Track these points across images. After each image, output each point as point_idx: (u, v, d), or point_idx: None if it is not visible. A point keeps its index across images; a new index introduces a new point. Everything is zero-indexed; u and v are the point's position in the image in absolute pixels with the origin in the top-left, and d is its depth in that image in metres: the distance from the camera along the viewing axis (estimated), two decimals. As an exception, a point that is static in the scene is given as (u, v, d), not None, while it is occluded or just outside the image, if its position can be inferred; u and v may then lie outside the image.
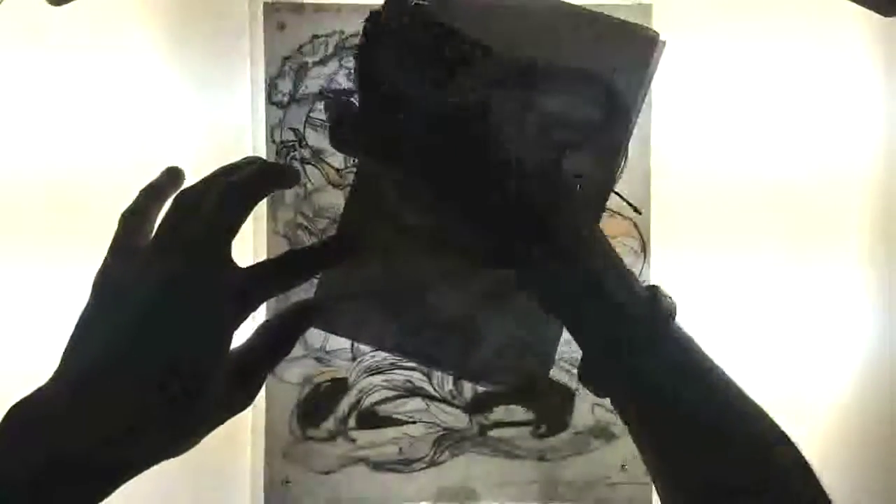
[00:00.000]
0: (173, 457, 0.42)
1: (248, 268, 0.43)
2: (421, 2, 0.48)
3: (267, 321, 0.46)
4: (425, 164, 0.47)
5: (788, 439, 0.43)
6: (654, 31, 0.50)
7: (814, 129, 0.70)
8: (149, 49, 0.69)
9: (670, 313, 0.46)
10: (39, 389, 0.40)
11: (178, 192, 0.44)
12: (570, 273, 0.46)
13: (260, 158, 0.48)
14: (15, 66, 0.68)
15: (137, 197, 0.46)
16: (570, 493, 0.68)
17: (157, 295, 0.41)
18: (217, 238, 0.42)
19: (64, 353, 0.42)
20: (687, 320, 0.46)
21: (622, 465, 0.67)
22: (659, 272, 0.68)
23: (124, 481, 0.40)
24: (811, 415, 0.70)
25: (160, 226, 0.43)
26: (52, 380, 0.41)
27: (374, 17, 0.48)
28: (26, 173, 0.68)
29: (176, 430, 0.41)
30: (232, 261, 0.42)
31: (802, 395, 0.70)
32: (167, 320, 0.41)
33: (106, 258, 0.44)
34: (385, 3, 0.48)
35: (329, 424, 0.68)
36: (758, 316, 0.70)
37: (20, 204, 0.68)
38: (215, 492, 0.69)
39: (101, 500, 0.40)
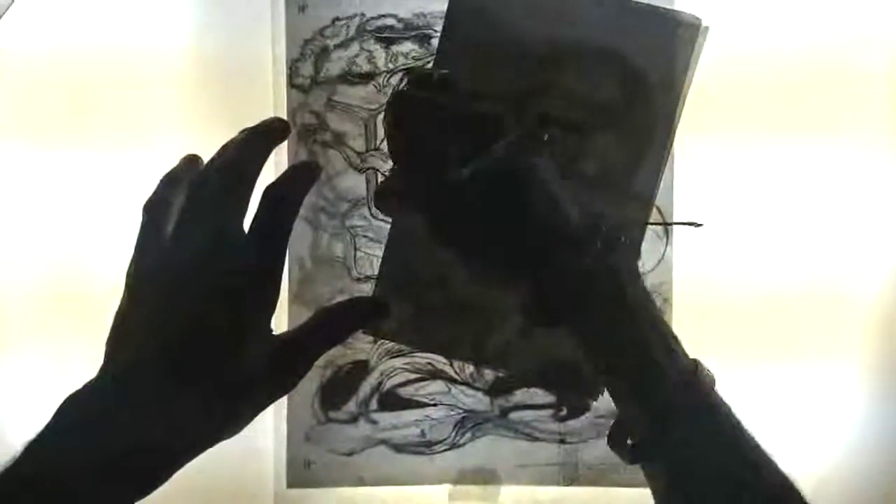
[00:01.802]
0: (220, 442, 0.42)
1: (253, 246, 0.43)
2: (443, 71, 0.48)
3: (323, 308, 0.46)
4: (460, 227, 0.48)
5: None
6: (697, 18, 0.50)
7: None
8: (169, 33, 0.69)
9: (711, 384, 0.46)
10: (88, 383, 0.41)
11: (189, 178, 0.45)
12: (614, 341, 0.47)
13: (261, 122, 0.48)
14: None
15: (157, 187, 0.46)
16: (590, 475, 0.68)
17: (186, 285, 0.41)
18: (227, 220, 0.42)
19: (106, 347, 0.42)
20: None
21: (643, 449, 0.67)
22: (681, 262, 0.67)
23: (175, 469, 0.41)
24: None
25: (178, 216, 0.43)
26: (98, 375, 0.41)
27: (397, 95, 0.49)
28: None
29: (221, 416, 0.42)
30: (245, 237, 0.43)
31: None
32: (199, 310, 0.41)
33: (134, 251, 0.44)
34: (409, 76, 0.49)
35: (351, 407, 0.69)
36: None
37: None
38: (238, 474, 0.69)
39: (153, 489, 0.40)
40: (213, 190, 0.43)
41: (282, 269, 0.43)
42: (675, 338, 0.47)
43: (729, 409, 0.46)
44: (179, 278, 0.42)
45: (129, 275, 0.44)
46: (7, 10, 0.68)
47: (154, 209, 0.45)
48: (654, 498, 0.47)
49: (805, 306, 0.68)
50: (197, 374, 0.40)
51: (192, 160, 0.47)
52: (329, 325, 0.45)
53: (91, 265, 0.68)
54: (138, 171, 0.66)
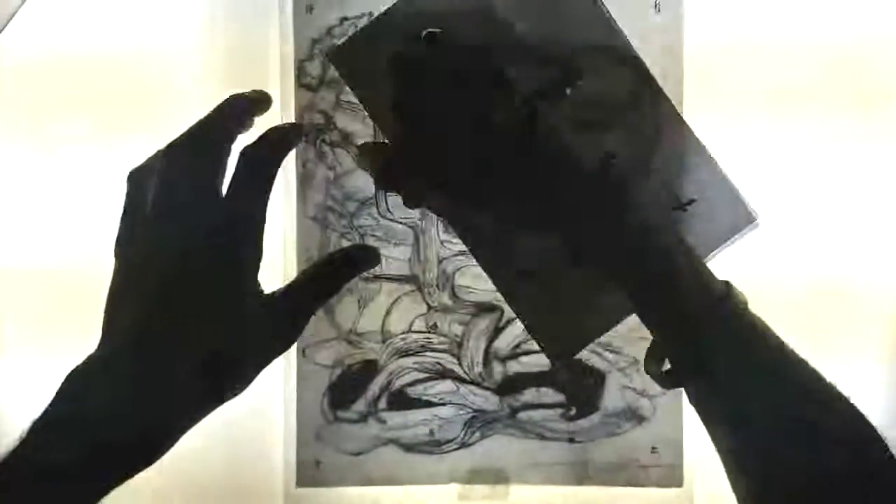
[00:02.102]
0: (225, 402, 0.42)
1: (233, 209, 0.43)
2: (434, 31, 0.48)
3: (314, 263, 0.46)
4: (475, 190, 0.47)
5: (878, 434, 0.43)
6: None
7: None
8: (178, 33, 0.69)
9: (743, 303, 0.46)
10: (89, 357, 0.41)
11: (167, 144, 0.44)
12: (641, 268, 0.46)
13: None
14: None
15: (147, 159, 0.46)
16: (600, 475, 0.68)
17: (167, 250, 0.42)
18: (202, 182, 0.43)
19: (103, 320, 0.43)
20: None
21: (652, 448, 0.67)
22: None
23: (181, 434, 0.41)
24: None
25: (156, 181, 0.43)
26: (97, 348, 0.42)
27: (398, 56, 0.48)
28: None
29: (222, 377, 0.42)
30: (221, 199, 0.43)
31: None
32: (182, 274, 0.41)
33: (119, 224, 0.44)
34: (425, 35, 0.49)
35: (360, 406, 0.69)
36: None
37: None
38: (248, 473, 0.69)
39: (160, 454, 0.41)
40: (187, 152, 0.43)
41: (262, 228, 0.43)
42: (701, 261, 0.47)
43: (769, 329, 0.45)
44: (160, 243, 0.42)
45: (115, 250, 0.44)
46: (18, 10, 0.68)
47: (136, 176, 0.45)
48: (721, 457, 0.46)
49: (820, 299, 0.68)
50: (192, 337, 0.41)
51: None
52: (321, 278, 0.45)
53: (99, 258, 0.68)
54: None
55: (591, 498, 0.68)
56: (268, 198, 0.43)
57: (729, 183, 0.51)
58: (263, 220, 0.43)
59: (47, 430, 0.39)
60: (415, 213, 0.67)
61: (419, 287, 0.68)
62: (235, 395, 0.43)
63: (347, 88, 0.67)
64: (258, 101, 0.47)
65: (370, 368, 0.69)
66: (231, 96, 0.46)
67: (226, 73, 0.69)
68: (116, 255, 0.44)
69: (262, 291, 0.43)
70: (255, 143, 0.44)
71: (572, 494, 0.68)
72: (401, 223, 0.68)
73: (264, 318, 0.43)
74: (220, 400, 0.43)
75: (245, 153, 0.44)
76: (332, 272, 0.46)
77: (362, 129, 0.67)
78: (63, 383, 0.40)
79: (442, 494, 0.69)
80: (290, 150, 0.46)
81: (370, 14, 0.67)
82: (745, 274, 0.66)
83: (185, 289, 0.41)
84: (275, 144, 0.45)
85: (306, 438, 0.69)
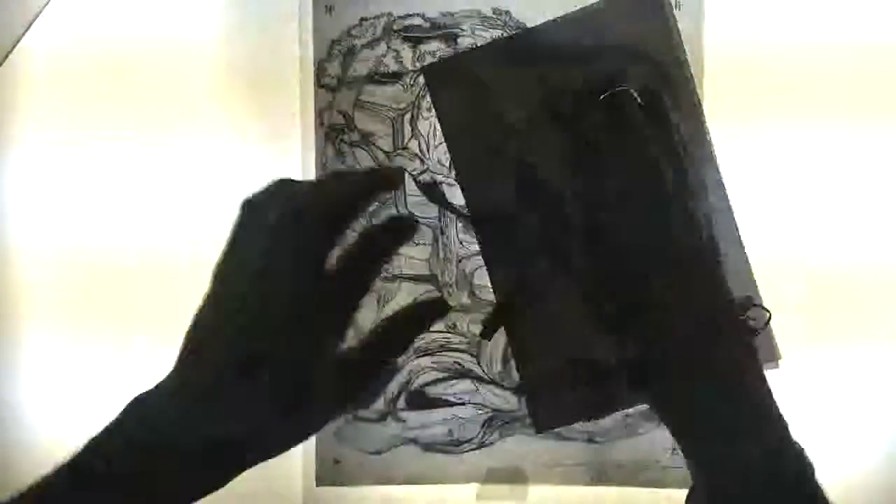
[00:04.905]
0: (288, 450, 0.42)
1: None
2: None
3: (388, 317, 0.45)
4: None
5: None
6: None
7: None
8: (197, 34, 0.69)
9: (810, 468, 0.44)
10: (158, 385, 0.40)
11: (300, 191, 0.43)
12: (720, 411, 0.45)
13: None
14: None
15: (265, 188, 0.43)
16: (619, 475, 0.68)
17: (271, 302, 0.40)
18: (322, 248, 0.41)
19: (181, 348, 0.41)
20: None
21: (672, 449, 0.67)
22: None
23: (236, 475, 0.41)
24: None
25: (273, 223, 0.41)
26: (168, 377, 0.41)
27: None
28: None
29: (290, 428, 0.41)
30: (326, 271, 0.42)
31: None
32: (279, 330, 0.40)
33: (227, 247, 0.42)
34: None
35: (379, 405, 0.69)
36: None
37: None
38: (267, 472, 0.69)
39: (215, 490, 0.40)
40: (319, 216, 0.41)
41: (356, 309, 0.42)
42: (781, 416, 0.45)
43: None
44: (268, 294, 0.40)
45: (214, 274, 0.42)
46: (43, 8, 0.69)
47: (253, 205, 0.42)
48: None
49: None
50: (268, 389, 0.40)
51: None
52: (390, 339, 0.44)
53: (114, 251, 0.69)
54: (167, 168, 0.67)
55: (610, 499, 0.68)
56: (373, 283, 0.43)
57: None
58: (361, 300, 0.42)
59: (104, 450, 0.39)
60: (434, 213, 0.67)
61: (438, 286, 0.68)
62: (300, 442, 0.42)
63: (366, 88, 0.68)
64: (393, 180, 0.46)
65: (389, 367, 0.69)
66: (368, 171, 0.45)
67: (245, 73, 0.69)
68: (214, 280, 0.42)
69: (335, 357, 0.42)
70: (378, 228, 0.44)
71: (591, 495, 0.68)
72: (420, 222, 0.68)
73: (337, 382, 0.42)
74: (284, 447, 0.42)
75: (366, 235, 0.43)
76: (399, 333, 0.45)
77: (381, 129, 0.67)
78: (128, 406, 0.40)
79: (461, 494, 0.69)
80: (406, 242, 0.45)
81: (389, 14, 0.67)
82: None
83: (274, 341, 0.40)
84: (397, 235, 0.44)
85: (326, 437, 0.69)
